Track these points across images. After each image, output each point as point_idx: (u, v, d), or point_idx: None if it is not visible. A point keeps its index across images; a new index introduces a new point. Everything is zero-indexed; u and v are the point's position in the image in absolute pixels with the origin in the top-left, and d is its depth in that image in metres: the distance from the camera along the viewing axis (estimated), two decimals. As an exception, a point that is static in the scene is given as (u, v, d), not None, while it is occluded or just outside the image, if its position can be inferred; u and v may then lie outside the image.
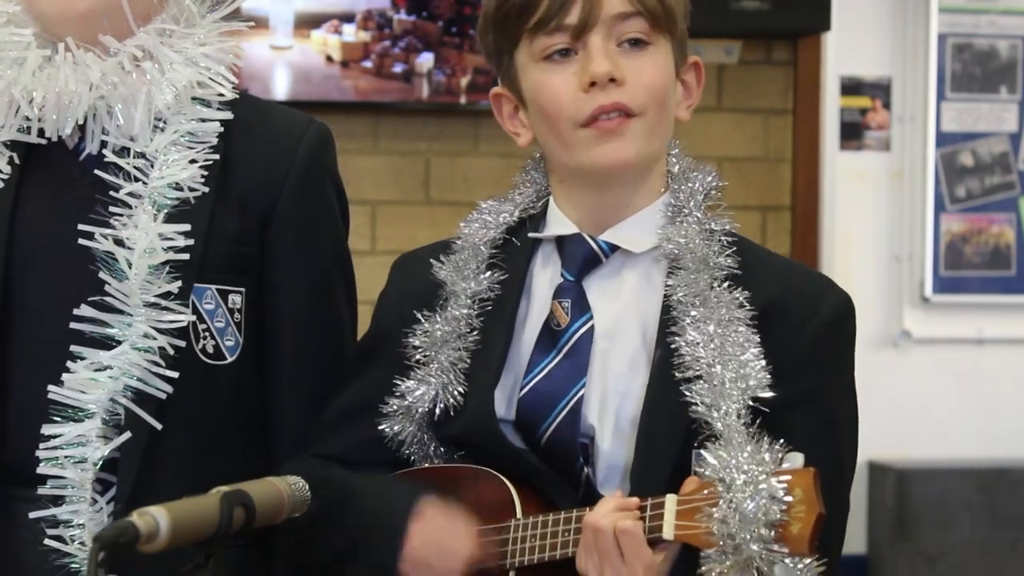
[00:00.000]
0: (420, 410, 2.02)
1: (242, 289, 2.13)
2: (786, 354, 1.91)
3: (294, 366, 2.17)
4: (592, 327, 1.98)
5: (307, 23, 5.17)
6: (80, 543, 2.04)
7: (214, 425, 2.12)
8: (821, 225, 5.53)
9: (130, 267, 2.06)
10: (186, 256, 2.08)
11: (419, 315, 2.04)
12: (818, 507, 1.72)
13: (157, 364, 2.06)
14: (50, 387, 2.05)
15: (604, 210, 2.01)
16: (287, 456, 2.11)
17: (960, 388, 5.62)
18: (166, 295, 2.07)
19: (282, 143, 2.17)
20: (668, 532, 1.78)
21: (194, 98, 2.13)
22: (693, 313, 1.93)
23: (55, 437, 2.05)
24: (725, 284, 1.94)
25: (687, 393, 1.89)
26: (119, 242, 2.07)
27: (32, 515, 2.06)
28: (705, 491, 1.76)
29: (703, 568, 1.75)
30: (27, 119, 2.10)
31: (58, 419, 2.05)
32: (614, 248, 2.00)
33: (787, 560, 1.72)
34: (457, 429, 2.00)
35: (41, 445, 2.05)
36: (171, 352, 2.07)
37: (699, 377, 1.89)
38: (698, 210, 2.00)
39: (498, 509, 1.93)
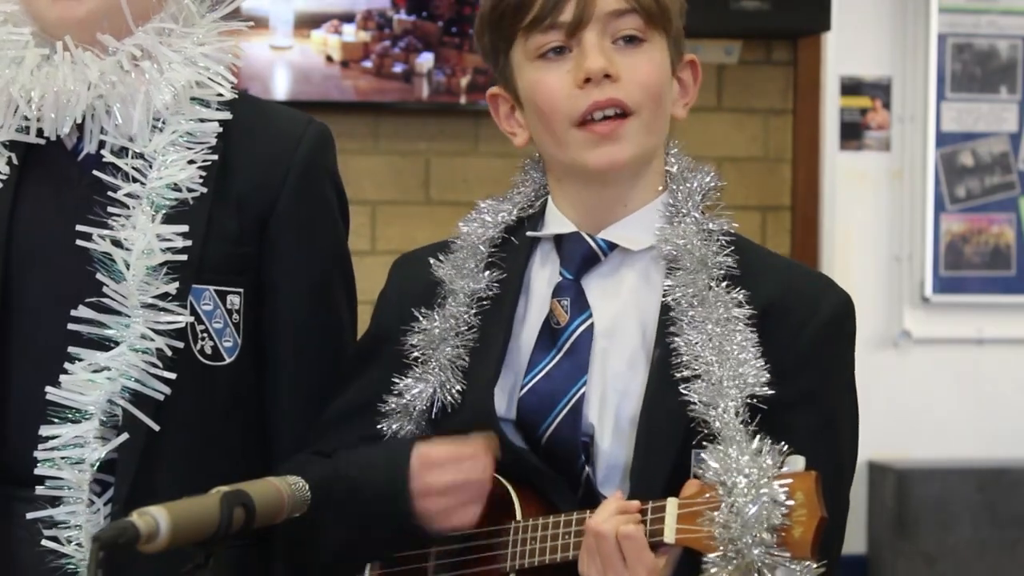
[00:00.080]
0: (418, 408, 2.02)
1: (240, 290, 2.13)
2: (786, 354, 1.91)
3: (294, 366, 2.17)
4: (591, 325, 1.98)
5: (307, 23, 5.17)
6: (77, 544, 2.04)
7: (212, 426, 2.12)
8: (821, 225, 5.53)
9: (128, 268, 2.05)
10: (184, 257, 2.07)
11: (419, 315, 2.04)
12: (820, 511, 1.71)
13: (155, 365, 2.06)
14: (48, 388, 2.05)
15: (601, 207, 2.01)
16: (287, 456, 2.11)
17: (960, 388, 5.62)
18: (164, 296, 2.06)
19: (281, 143, 2.17)
20: (669, 536, 1.78)
21: (193, 98, 2.13)
22: (692, 313, 1.93)
23: (53, 438, 2.04)
24: (724, 284, 1.94)
25: (686, 393, 1.88)
26: (117, 243, 2.06)
27: (29, 516, 2.05)
28: (706, 495, 1.76)
29: (704, 573, 1.75)
30: (25, 119, 2.10)
31: (56, 420, 2.05)
32: (612, 246, 2.00)
33: (789, 564, 1.72)
34: (456, 427, 2.00)
35: (39, 446, 2.05)
36: (169, 353, 2.06)
37: (698, 376, 1.89)
38: (696, 210, 2.00)
39: (497, 509, 1.93)
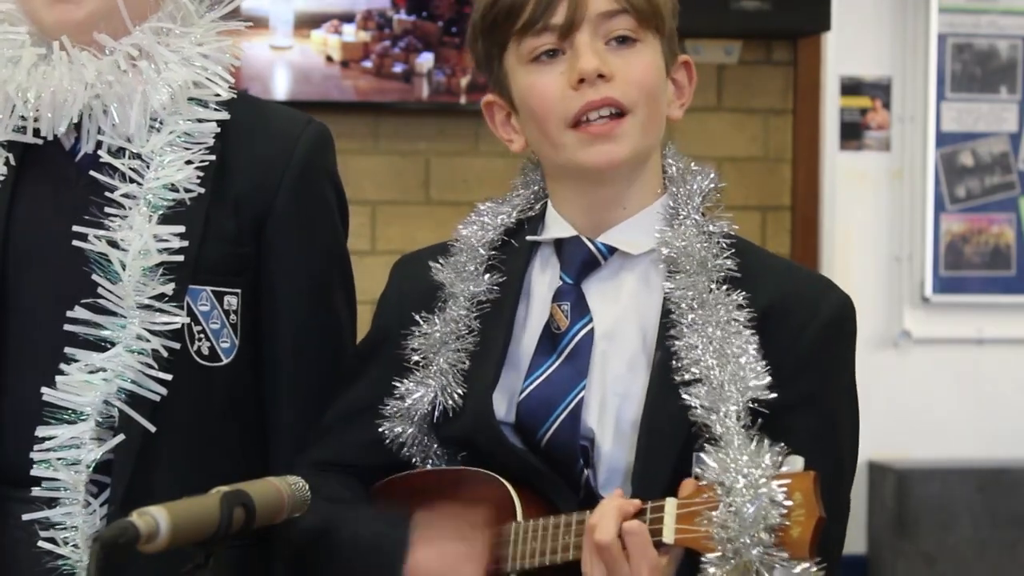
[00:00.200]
0: (419, 412, 2.02)
1: (238, 291, 2.12)
2: (786, 356, 1.91)
3: (293, 367, 2.16)
4: (592, 330, 1.97)
5: (307, 23, 5.17)
6: (73, 545, 2.04)
7: (210, 427, 2.11)
8: (821, 225, 5.53)
9: (124, 269, 2.05)
10: (180, 258, 2.07)
11: (419, 317, 2.04)
12: (818, 511, 1.71)
13: (151, 366, 2.05)
14: (44, 389, 2.04)
15: (600, 209, 2.01)
16: (286, 457, 2.11)
17: (960, 388, 5.62)
18: (160, 297, 2.06)
19: (279, 144, 2.16)
20: (668, 536, 1.78)
21: (191, 98, 2.12)
22: (692, 316, 1.92)
23: (49, 439, 2.04)
24: (724, 286, 1.93)
25: (687, 397, 1.88)
26: (113, 243, 2.06)
27: (26, 517, 2.05)
28: (705, 495, 1.76)
29: (703, 572, 1.75)
30: (23, 119, 2.10)
31: (52, 421, 2.04)
32: (612, 250, 2.00)
33: (787, 564, 1.72)
34: (457, 431, 2.00)
35: (35, 447, 2.04)
36: (165, 354, 2.06)
37: (699, 380, 1.89)
38: (696, 212, 1.99)
39: (498, 511, 1.93)
